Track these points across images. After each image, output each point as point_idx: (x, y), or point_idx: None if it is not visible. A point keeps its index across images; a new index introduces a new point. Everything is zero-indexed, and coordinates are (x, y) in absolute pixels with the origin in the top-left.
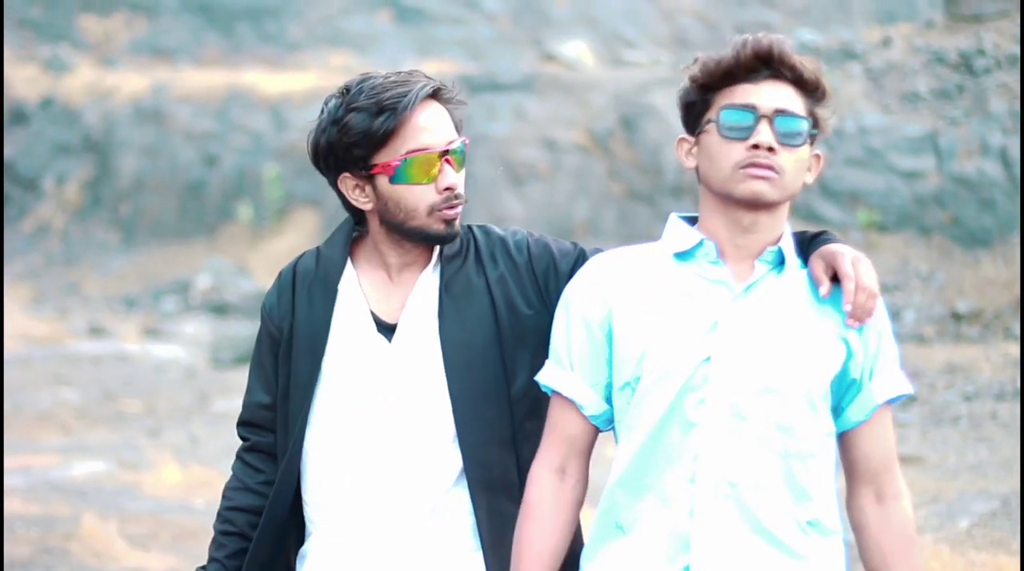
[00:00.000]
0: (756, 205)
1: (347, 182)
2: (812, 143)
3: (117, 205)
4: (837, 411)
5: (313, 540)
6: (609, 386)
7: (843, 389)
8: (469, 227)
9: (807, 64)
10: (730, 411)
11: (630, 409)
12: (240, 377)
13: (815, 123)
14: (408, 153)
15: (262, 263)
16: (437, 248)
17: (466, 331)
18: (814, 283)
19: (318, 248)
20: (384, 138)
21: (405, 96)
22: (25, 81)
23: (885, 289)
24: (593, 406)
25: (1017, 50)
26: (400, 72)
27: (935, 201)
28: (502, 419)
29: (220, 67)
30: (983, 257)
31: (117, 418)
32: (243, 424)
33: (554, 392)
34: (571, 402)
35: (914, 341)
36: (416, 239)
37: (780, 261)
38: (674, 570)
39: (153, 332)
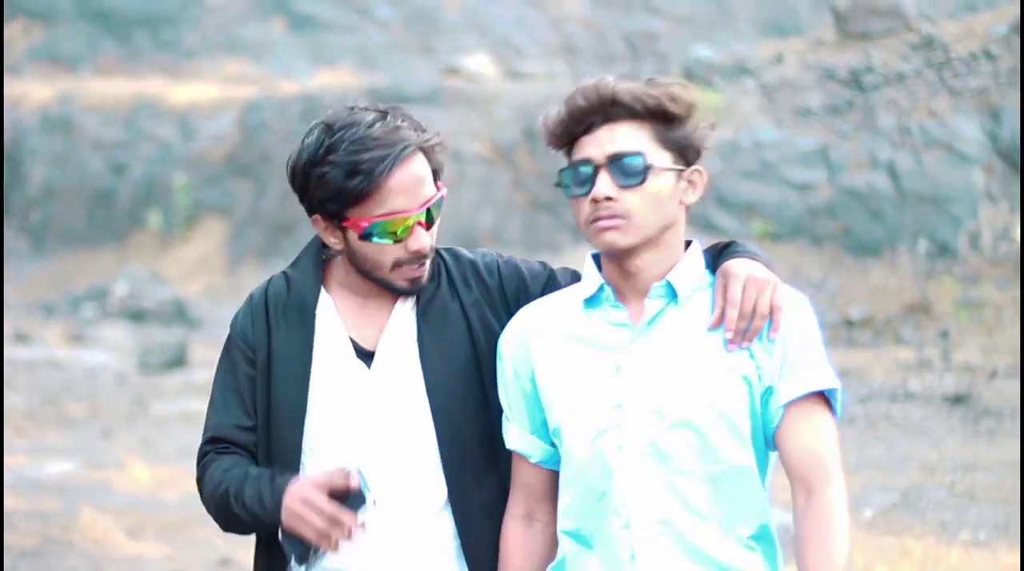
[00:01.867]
0: (619, 254)
1: (319, 222)
2: (686, 164)
3: (27, 213)
4: (764, 416)
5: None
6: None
7: (763, 396)
8: (438, 251)
9: (649, 94)
10: (649, 452)
11: (562, 458)
12: (170, 382)
13: (679, 147)
14: (380, 216)
15: (173, 270)
16: None
17: (445, 356)
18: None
19: (285, 273)
20: (357, 199)
21: (383, 161)
22: None
23: None
24: (538, 453)
25: (904, 67)
26: (387, 117)
27: (827, 212)
28: (484, 443)
29: (118, 75)
30: (873, 266)
31: (64, 421)
32: (213, 441)
33: None
34: (518, 452)
35: None
36: (380, 286)
37: (673, 293)
38: None
39: (76, 338)
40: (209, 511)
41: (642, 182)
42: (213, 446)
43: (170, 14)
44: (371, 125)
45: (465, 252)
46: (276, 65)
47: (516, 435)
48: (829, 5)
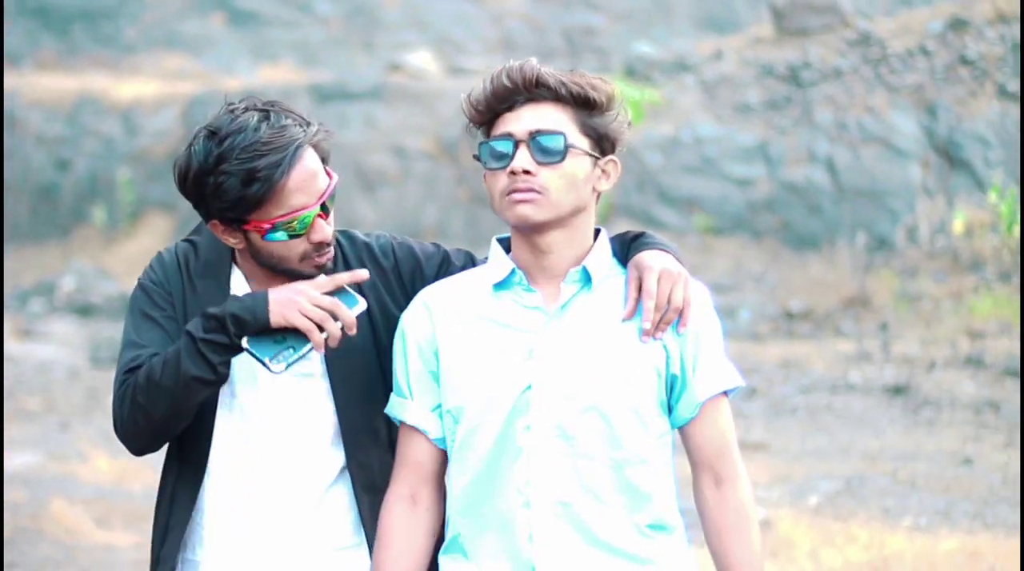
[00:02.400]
0: (530, 228)
1: (217, 227)
2: (602, 153)
3: None
4: (669, 408)
5: (192, 533)
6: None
7: (670, 388)
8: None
9: (573, 81)
10: (556, 433)
11: (459, 438)
12: None
13: (598, 135)
14: (281, 217)
15: (118, 265)
16: None
17: (344, 337)
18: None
19: (190, 240)
20: (257, 206)
21: (279, 165)
22: None
23: (720, 290)
24: (436, 430)
25: (842, 63)
26: (271, 117)
27: (766, 206)
28: (382, 421)
29: (58, 70)
30: (811, 259)
31: (22, 415)
32: (134, 369)
33: (400, 422)
34: (416, 429)
35: (750, 338)
36: (288, 276)
37: (588, 279)
38: None
39: (25, 333)
40: (127, 419)
41: (561, 160)
42: (132, 375)
43: (109, 9)
44: (257, 128)
45: (360, 234)
46: (216, 60)
47: (417, 411)
48: (767, 2)
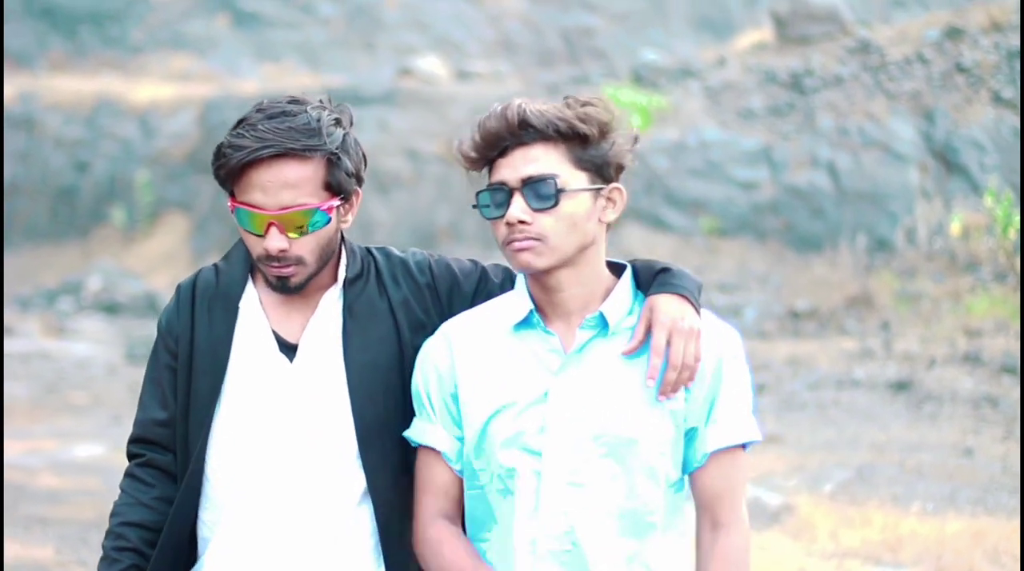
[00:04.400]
0: (535, 274)
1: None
2: (605, 181)
3: None
4: (685, 454)
5: (209, 557)
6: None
7: (685, 436)
8: (368, 249)
9: (560, 116)
10: (567, 479)
11: (475, 471)
12: None
13: (596, 166)
14: (241, 203)
15: (138, 264)
16: (341, 271)
17: (370, 353)
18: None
19: (216, 265)
20: (219, 179)
21: (239, 150)
22: None
23: (726, 289)
24: (457, 456)
25: (842, 70)
26: (301, 116)
27: (770, 209)
28: (404, 441)
29: (67, 71)
30: (814, 260)
31: (72, 409)
32: (136, 442)
33: (420, 445)
34: (437, 453)
35: (758, 337)
36: (296, 298)
37: (605, 324)
38: None
39: (58, 331)
40: None
41: (555, 205)
42: (136, 447)
43: (116, 10)
44: (273, 117)
45: (396, 251)
46: (221, 61)
47: (439, 435)
48: (769, 10)
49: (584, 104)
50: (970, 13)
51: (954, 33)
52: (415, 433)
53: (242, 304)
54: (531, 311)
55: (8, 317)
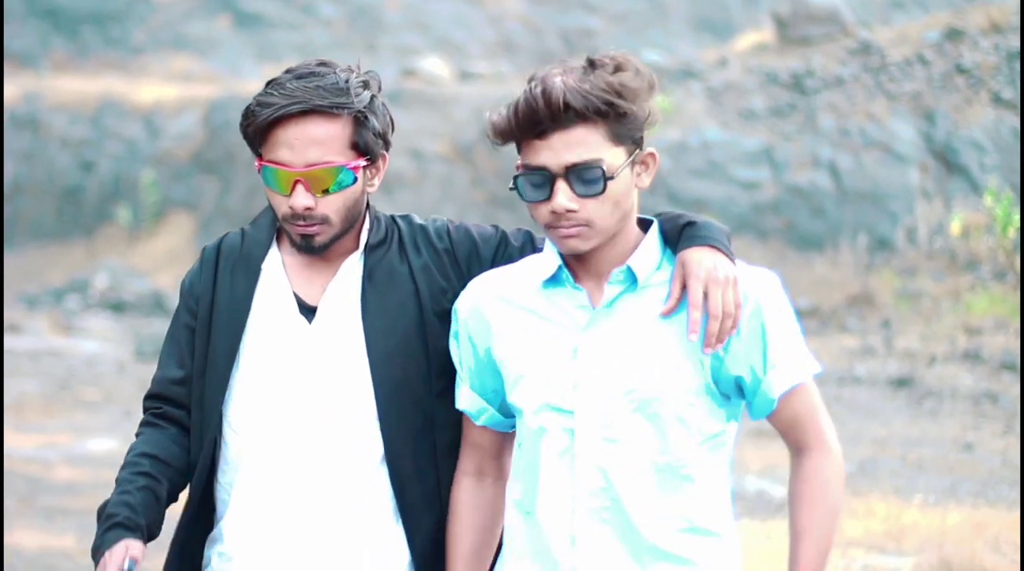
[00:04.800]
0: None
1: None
2: (638, 146)
3: None
4: (748, 403)
5: (227, 521)
6: (502, 396)
7: (735, 388)
8: (392, 217)
9: (599, 95)
10: (601, 435)
11: (517, 430)
12: None
13: (632, 137)
14: (268, 161)
15: (143, 263)
16: (363, 236)
17: (389, 318)
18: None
19: (243, 229)
20: (247, 137)
21: (268, 107)
22: None
23: None
24: (483, 416)
25: (843, 71)
26: (329, 76)
27: (771, 209)
28: (423, 406)
29: (69, 71)
30: (816, 259)
31: (84, 405)
32: (152, 397)
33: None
34: (466, 412)
35: None
36: (320, 261)
37: (633, 279)
38: None
39: (66, 328)
40: None
41: (603, 191)
42: (151, 401)
43: (117, 11)
44: (301, 77)
45: (416, 218)
46: (223, 62)
47: (466, 395)
48: (770, 11)
49: (616, 70)
50: (970, 14)
51: (954, 34)
52: (456, 391)
53: (264, 265)
54: (560, 266)
55: (16, 315)
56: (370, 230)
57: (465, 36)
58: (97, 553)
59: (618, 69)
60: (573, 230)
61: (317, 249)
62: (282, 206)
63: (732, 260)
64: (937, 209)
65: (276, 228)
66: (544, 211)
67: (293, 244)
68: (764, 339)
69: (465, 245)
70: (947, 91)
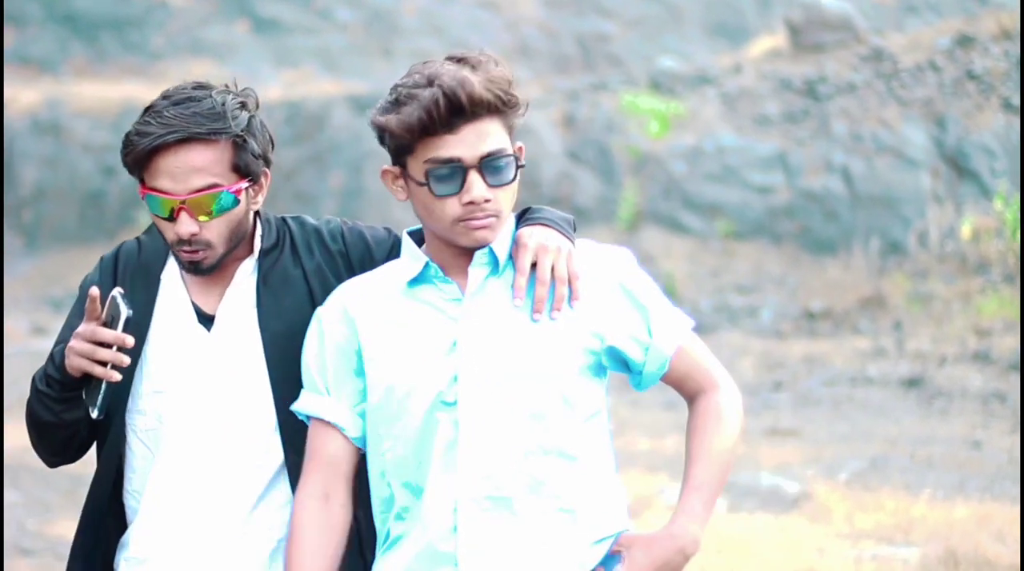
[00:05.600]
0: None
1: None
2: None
3: (20, 212)
4: (635, 374)
5: (136, 527)
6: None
7: (619, 363)
8: (283, 219)
9: (498, 87)
10: (485, 423)
11: (382, 433)
12: None
13: (513, 126)
14: (151, 189)
15: None
16: (257, 242)
17: (285, 321)
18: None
19: (139, 238)
20: (128, 167)
21: (144, 138)
22: None
23: (743, 291)
24: (354, 428)
25: (855, 78)
26: (205, 102)
27: (785, 213)
28: None
29: (88, 76)
30: (829, 263)
31: None
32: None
33: (312, 418)
34: (332, 426)
35: (774, 337)
36: (218, 276)
37: (495, 261)
38: None
39: None
40: (29, 435)
41: (513, 180)
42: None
43: (136, 17)
44: (178, 103)
45: (310, 220)
46: (241, 67)
47: (333, 407)
48: (784, 17)
49: (496, 64)
50: (981, 21)
51: (965, 41)
52: (305, 406)
53: (163, 276)
54: (427, 264)
55: (41, 317)
56: (263, 235)
57: (481, 41)
58: (58, 356)
59: (495, 64)
60: (487, 221)
61: (206, 271)
62: (168, 232)
63: (570, 239)
64: (948, 213)
65: None
66: (453, 205)
67: (183, 267)
68: (640, 308)
69: (359, 247)
70: (958, 97)
